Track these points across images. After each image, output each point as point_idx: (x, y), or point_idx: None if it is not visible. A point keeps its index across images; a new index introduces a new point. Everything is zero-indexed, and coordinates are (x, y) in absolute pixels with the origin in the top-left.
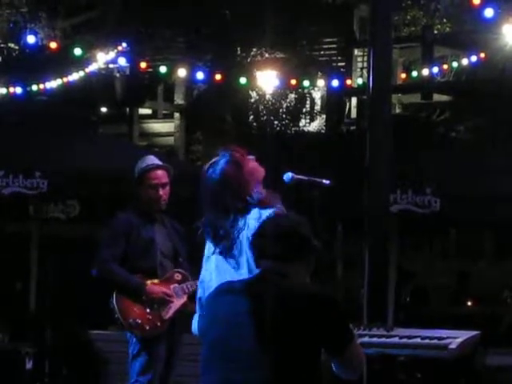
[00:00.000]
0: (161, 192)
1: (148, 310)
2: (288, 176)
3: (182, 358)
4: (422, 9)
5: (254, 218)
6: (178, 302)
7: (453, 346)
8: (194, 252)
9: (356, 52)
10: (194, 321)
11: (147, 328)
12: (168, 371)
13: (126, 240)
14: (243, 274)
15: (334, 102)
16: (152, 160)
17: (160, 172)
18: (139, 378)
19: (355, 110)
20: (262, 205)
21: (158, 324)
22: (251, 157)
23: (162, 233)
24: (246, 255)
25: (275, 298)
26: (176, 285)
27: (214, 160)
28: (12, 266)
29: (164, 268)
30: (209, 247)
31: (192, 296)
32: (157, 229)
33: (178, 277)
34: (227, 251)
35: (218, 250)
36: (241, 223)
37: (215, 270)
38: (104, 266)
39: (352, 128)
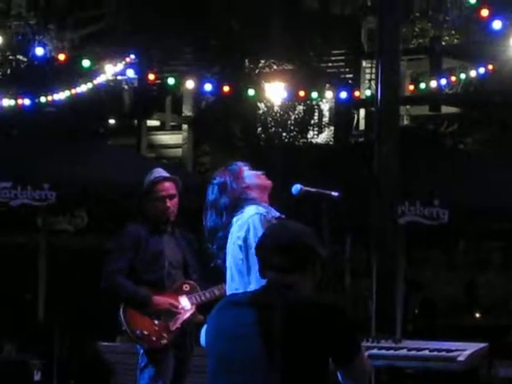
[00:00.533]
0: (168, 203)
1: (155, 322)
2: (296, 188)
3: (190, 369)
4: (430, 21)
5: (237, 224)
6: (185, 313)
7: (461, 359)
8: (205, 262)
9: (364, 64)
10: (202, 332)
11: (154, 339)
12: (179, 381)
13: (134, 252)
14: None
15: (343, 114)
16: (159, 172)
17: (167, 184)
18: None
19: (363, 121)
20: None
21: (165, 335)
22: (259, 172)
23: (171, 244)
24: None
25: (281, 310)
26: (184, 296)
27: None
28: (20, 277)
29: (173, 279)
30: None
31: (200, 307)
32: (166, 240)
33: (186, 288)
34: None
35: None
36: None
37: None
38: (111, 279)
39: (360, 140)
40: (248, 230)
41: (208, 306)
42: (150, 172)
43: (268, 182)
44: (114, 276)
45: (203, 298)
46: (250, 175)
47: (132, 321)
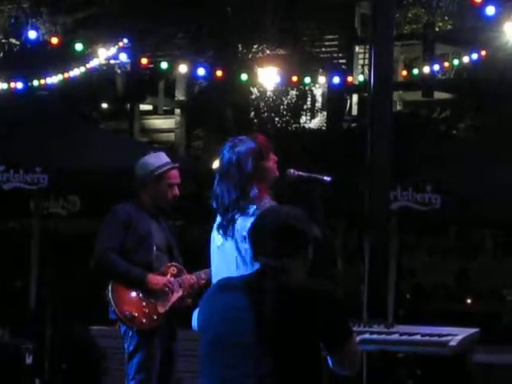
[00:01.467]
0: (176, 191)
1: (144, 303)
2: (289, 172)
3: (180, 353)
4: (423, 6)
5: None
6: (174, 296)
7: (453, 343)
8: (188, 248)
9: (357, 49)
10: (194, 316)
11: (144, 321)
12: (169, 368)
13: (124, 232)
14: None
15: (335, 99)
16: (166, 158)
17: (176, 172)
18: (136, 375)
19: (356, 107)
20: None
21: (155, 317)
22: (274, 157)
23: (157, 227)
24: (234, 248)
25: (274, 294)
26: (172, 278)
27: (240, 138)
28: (12, 261)
29: (160, 262)
30: (214, 240)
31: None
32: (153, 223)
33: (173, 270)
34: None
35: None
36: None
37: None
38: (104, 257)
39: (353, 125)
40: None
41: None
42: (156, 156)
43: (276, 174)
44: (108, 253)
45: (191, 281)
46: (273, 168)
47: (120, 301)
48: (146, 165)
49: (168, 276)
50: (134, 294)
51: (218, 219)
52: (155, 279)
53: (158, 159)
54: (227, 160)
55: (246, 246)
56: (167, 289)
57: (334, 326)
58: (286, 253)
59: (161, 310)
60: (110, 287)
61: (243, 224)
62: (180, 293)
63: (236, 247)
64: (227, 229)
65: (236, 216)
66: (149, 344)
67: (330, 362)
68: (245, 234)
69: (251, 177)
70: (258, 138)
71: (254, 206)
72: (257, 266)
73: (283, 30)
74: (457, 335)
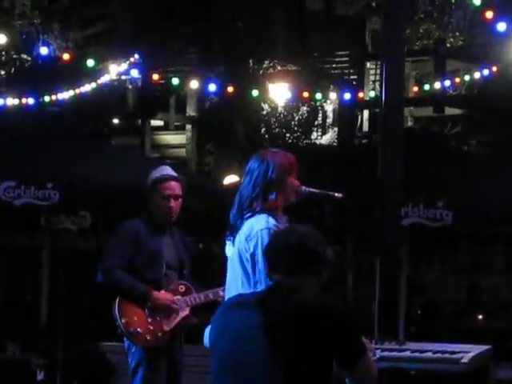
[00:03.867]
0: (172, 203)
1: (149, 320)
2: (300, 189)
3: (192, 370)
4: (434, 22)
5: (244, 234)
6: (180, 314)
7: (465, 361)
8: (200, 266)
9: (368, 65)
10: (206, 332)
11: (148, 338)
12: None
13: (132, 249)
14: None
15: (346, 115)
16: (167, 170)
17: (174, 183)
18: None
19: (367, 123)
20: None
21: (159, 335)
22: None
23: (168, 244)
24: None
25: (287, 312)
26: (179, 297)
27: (273, 149)
28: (24, 276)
29: (169, 279)
30: (227, 252)
31: (194, 309)
32: (164, 240)
33: (181, 289)
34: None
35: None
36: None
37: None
38: (109, 273)
39: (364, 141)
40: (256, 246)
41: (208, 307)
42: (157, 169)
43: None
44: (113, 270)
45: (198, 301)
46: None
47: (126, 317)
48: (148, 179)
49: (176, 294)
50: (140, 310)
51: (230, 224)
52: (159, 296)
53: (157, 172)
54: (256, 164)
55: (246, 246)
56: (173, 305)
57: (346, 342)
58: (300, 271)
59: (166, 328)
60: (116, 303)
61: (246, 229)
62: (186, 312)
63: (239, 261)
64: (235, 234)
65: (244, 220)
66: (152, 359)
67: (347, 380)
68: (248, 256)
69: (273, 184)
70: (289, 155)
71: (263, 218)
72: (268, 282)
73: (294, 45)
74: (469, 352)
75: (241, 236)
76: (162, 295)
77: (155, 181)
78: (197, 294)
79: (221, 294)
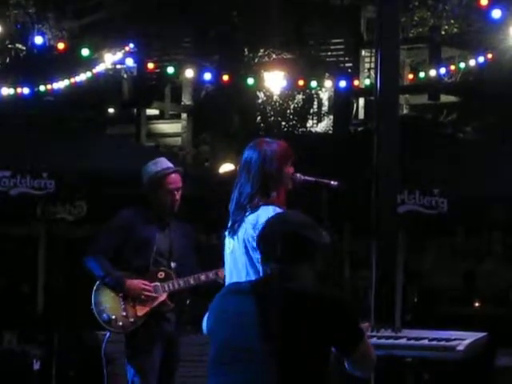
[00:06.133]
0: (177, 196)
1: (123, 307)
2: (296, 177)
3: (188, 359)
4: (429, 10)
5: (250, 223)
6: (155, 300)
7: (461, 348)
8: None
9: (363, 53)
10: (204, 320)
11: (120, 324)
12: (169, 372)
13: (122, 235)
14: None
15: (342, 103)
16: (166, 163)
17: (175, 176)
18: (135, 378)
19: (363, 110)
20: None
21: (131, 320)
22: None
23: (163, 233)
24: (245, 257)
25: (282, 299)
26: (157, 283)
27: (266, 139)
28: (20, 266)
29: (158, 266)
30: (226, 245)
31: (171, 295)
32: (159, 229)
33: (161, 275)
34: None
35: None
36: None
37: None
38: (88, 260)
39: (359, 129)
40: None
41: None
42: (155, 162)
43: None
44: (95, 255)
45: (176, 287)
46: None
47: (101, 303)
48: (146, 172)
49: (154, 281)
50: (115, 297)
51: (230, 221)
52: (132, 284)
53: (157, 166)
54: (251, 157)
55: (257, 256)
56: (145, 293)
57: (344, 329)
58: (295, 259)
59: (140, 312)
60: (94, 288)
61: (252, 219)
62: (163, 297)
63: (245, 252)
64: (237, 228)
65: (247, 213)
66: (146, 349)
67: (346, 365)
68: (255, 245)
69: (272, 178)
70: (282, 143)
71: (270, 208)
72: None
73: (289, 33)
74: (465, 339)
75: (247, 225)
76: (135, 284)
77: (160, 176)
78: (176, 280)
79: (202, 278)
